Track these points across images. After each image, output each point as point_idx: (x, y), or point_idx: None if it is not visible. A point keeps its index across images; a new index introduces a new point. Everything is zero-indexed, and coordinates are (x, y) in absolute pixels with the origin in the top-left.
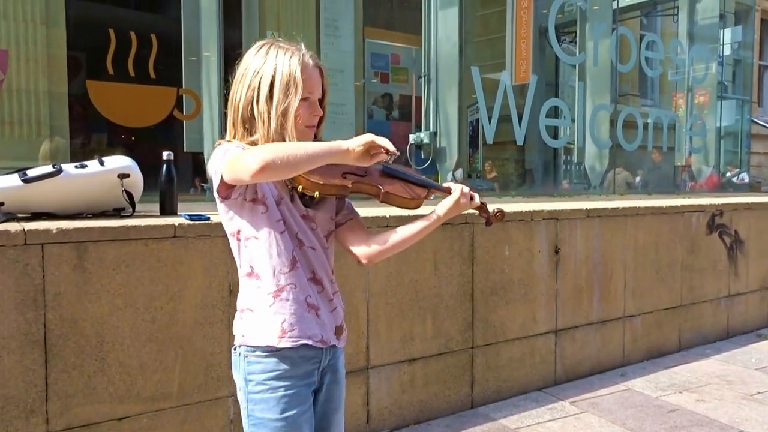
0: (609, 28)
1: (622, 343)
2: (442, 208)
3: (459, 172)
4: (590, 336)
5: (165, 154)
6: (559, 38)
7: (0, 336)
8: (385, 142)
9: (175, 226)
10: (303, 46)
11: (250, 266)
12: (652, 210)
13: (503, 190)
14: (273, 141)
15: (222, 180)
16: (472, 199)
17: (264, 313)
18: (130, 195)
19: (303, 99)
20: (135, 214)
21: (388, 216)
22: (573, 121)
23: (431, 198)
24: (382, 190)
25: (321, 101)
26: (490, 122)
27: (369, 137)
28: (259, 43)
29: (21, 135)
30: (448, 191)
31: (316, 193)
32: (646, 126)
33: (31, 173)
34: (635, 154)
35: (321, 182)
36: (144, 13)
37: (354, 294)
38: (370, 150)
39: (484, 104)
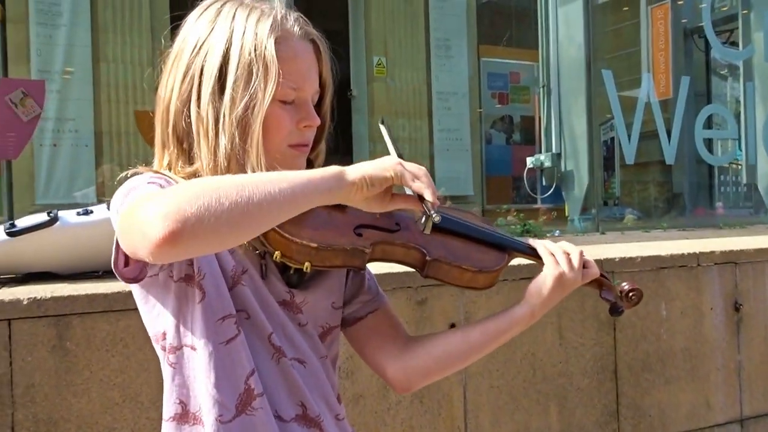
0: None
1: None
2: (537, 294)
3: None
4: None
5: None
6: (707, 39)
7: None
8: (417, 177)
9: None
10: (283, 4)
11: (179, 401)
12: None
13: (647, 219)
14: (225, 174)
15: (119, 248)
16: (585, 266)
17: None
18: None
19: (283, 99)
20: None
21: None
22: (738, 134)
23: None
24: (428, 257)
25: (320, 102)
26: (629, 140)
27: (391, 163)
28: (206, 2)
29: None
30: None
31: (307, 265)
32: None
33: (20, 224)
34: None
35: (314, 244)
36: None
37: None
38: (392, 187)
39: (621, 117)
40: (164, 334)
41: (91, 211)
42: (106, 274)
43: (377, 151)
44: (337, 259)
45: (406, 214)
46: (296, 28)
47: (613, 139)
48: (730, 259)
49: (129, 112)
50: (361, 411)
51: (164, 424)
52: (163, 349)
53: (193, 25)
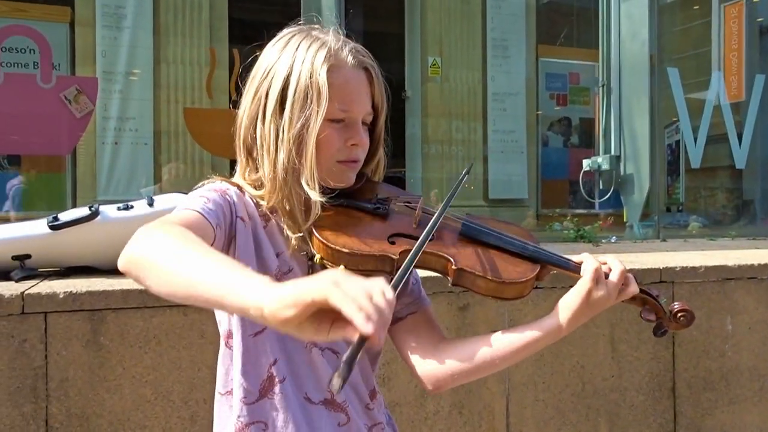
0: None
1: None
2: (564, 309)
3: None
4: None
5: None
6: None
7: None
8: (352, 298)
9: None
10: (341, 35)
11: (232, 378)
12: None
13: (714, 227)
14: (283, 184)
15: None
16: (625, 284)
17: None
18: None
19: (334, 120)
20: None
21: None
22: None
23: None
24: (454, 265)
25: (374, 124)
26: (695, 143)
27: (321, 283)
28: (284, 31)
29: (186, 175)
30: (578, 270)
31: (341, 268)
32: None
33: (63, 217)
34: None
35: (346, 250)
36: None
37: (486, 384)
38: (321, 316)
39: (687, 118)
40: (221, 321)
41: (132, 206)
42: None
43: (431, 153)
44: (368, 264)
45: (441, 222)
46: (350, 58)
47: (678, 142)
48: None
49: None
50: (397, 419)
51: (220, 397)
52: (223, 333)
53: (268, 52)
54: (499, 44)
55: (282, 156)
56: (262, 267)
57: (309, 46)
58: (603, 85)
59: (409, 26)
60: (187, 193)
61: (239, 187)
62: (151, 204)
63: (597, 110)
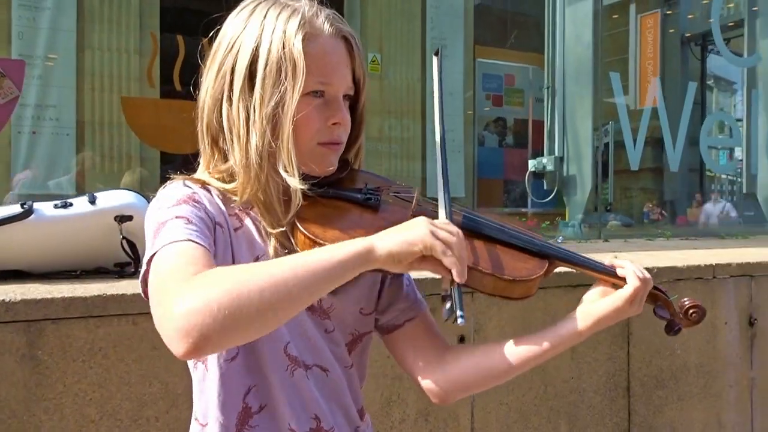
0: None
1: None
2: (589, 316)
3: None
4: None
5: None
6: (705, 47)
7: None
8: (449, 246)
9: None
10: (315, 1)
11: (209, 408)
12: None
13: (639, 226)
14: (258, 172)
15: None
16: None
17: None
18: (132, 245)
19: (312, 93)
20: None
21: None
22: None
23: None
24: None
25: (355, 100)
26: (635, 145)
27: (420, 234)
28: (245, 1)
29: (111, 168)
30: (598, 271)
31: None
32: None
33: None
34: None
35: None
36: None
37: None
38: (420, 255)
39: (627, 121)
40: None
41: (71, 204)
42: (85, 273)
43: (368, 150)
44: None
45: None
46: (326, 25)
47: (607, 144)
48: (746, 272)
49: (114, 101)
50: None
51: (196, 424)
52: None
53: (230, 23)
54: (438, 43)
55: (254, 139)
56: None
57: (279, 14)
58: (548, 88)
59: (349, 22)
60: (113, 187)
61: (204, 185)
62: (92, 201)
63: (530, 112)
